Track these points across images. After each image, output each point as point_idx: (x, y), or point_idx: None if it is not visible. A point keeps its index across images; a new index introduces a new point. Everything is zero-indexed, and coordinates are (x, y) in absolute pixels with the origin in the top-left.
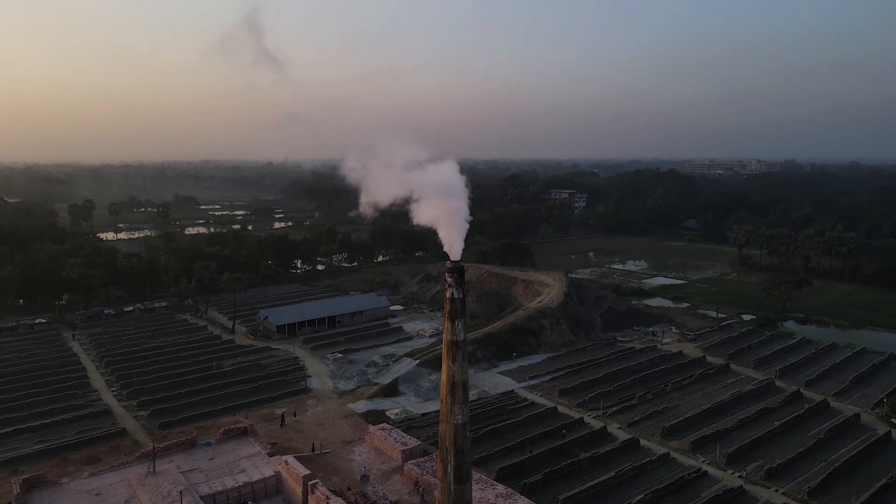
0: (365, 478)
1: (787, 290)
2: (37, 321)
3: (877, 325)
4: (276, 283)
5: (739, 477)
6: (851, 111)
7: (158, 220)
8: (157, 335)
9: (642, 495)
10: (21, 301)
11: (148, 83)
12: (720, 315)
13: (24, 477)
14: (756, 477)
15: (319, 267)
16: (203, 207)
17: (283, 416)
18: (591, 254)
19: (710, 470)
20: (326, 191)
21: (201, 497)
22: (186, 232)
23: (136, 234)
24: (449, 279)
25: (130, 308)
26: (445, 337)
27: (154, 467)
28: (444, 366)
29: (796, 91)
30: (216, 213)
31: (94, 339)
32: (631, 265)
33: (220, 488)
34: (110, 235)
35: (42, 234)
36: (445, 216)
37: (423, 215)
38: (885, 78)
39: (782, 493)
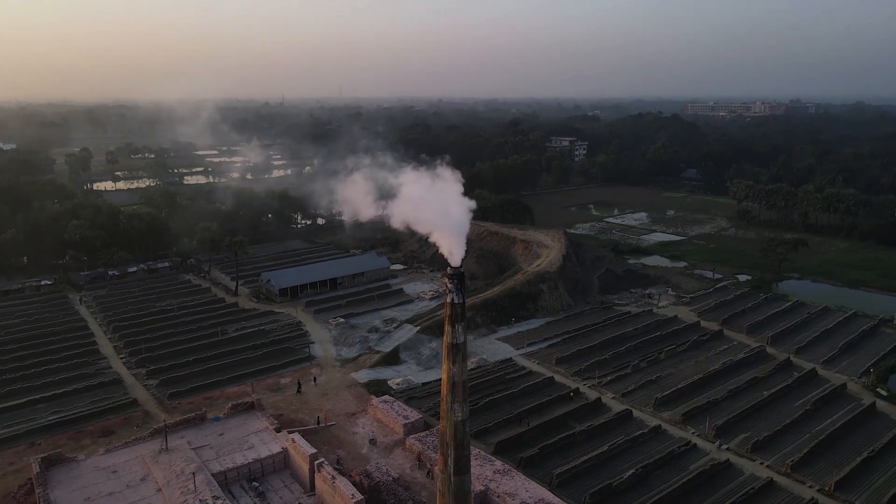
0: (373, 441)
1: (783, 252)
2: (42, 283)
3: (870, 286)
4: (278, 240)
5: (723, 448)
6: (858, 48)
7: (156, 169)
8: (162, 297)
9: (633, 469)
10: (25, 259)
11: (140, 18)
12: (716, 276)
13: (42, 455)
14: (733, 445)
15: (320, 221)
16: (200, 153)
17: (299, 383)
18: (591, 206)
19: (699, 442)
20: (324, 137)
21: (213, 474)
22: (186, 181)
23: (135, 184)
24: (449, 285)
25: (134, 269)
26: (446, 340)
27: (167, 444)
28: (444, 366)
29: (804, 28)
30: (214, 161)
31: (99, 302)
32: (630, 219)
33: (230, 465)
34: (108, 185)
35: (42, 190)
36: (446, 228)
37: (423, 227)
38: (893, 15)
39: (767, 466)
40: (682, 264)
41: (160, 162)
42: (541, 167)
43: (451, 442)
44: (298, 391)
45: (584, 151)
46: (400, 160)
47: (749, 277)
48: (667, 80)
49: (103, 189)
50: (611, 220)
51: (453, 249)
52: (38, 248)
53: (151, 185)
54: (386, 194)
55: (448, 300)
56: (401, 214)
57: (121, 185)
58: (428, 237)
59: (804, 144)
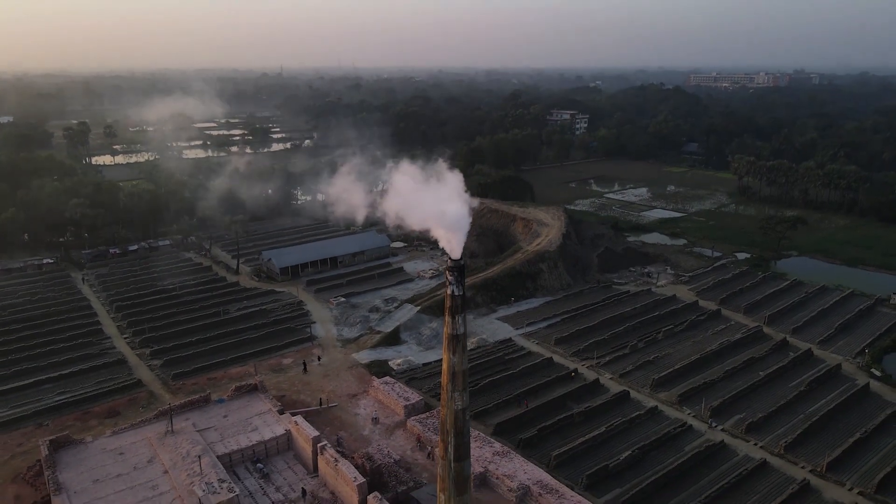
0: (375, 420)
1: (782, 230)
2: (44, 262)
3: (869, 265)
4: (279, 216)
5: (714, 427)
6: (864, 17)
7: (154, 142)
8: (164, 276)
9: (629, 451)
10: (25, 236)
11: None
12: (715, 254)
13: (50, 437)
14: (728, 426)
15: (320, 196)
16: (199, 126)
17: (304, 363)
18: (591, 181)
19: (695, 424)
20: (324, 109)
21: (217, 456)
22: (184, 155)
23: (134, 158)
24: (450, 277)
25: (135, 247)
26: (446, 331)
27: (172, 426)
28: (444, 356)
29: None
30: (213, 133)
31: (101, 281)
32: (630, 195)
33: (235, 447)
34: (107, 159)
35: (41, 167)
36: (446, 227)
37: (422, 225)
38: None
39: (760, 448)
40: (682, 242)
41: (158, 136)
42: (541, 141)
43: (451, 429)
44: (304, 371)
45: (585, 125)
46: (397, 144)
47: (748, 255)
48: (670, 49)
49: (102, 164)
50: (611, 196)
51: (453, 243)
52: (38, 226)
53: (150, 159)
54: (382, 192)
55: (448, 292)
56: (398, 214)
57: (119, 159)
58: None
59: (807, 118)
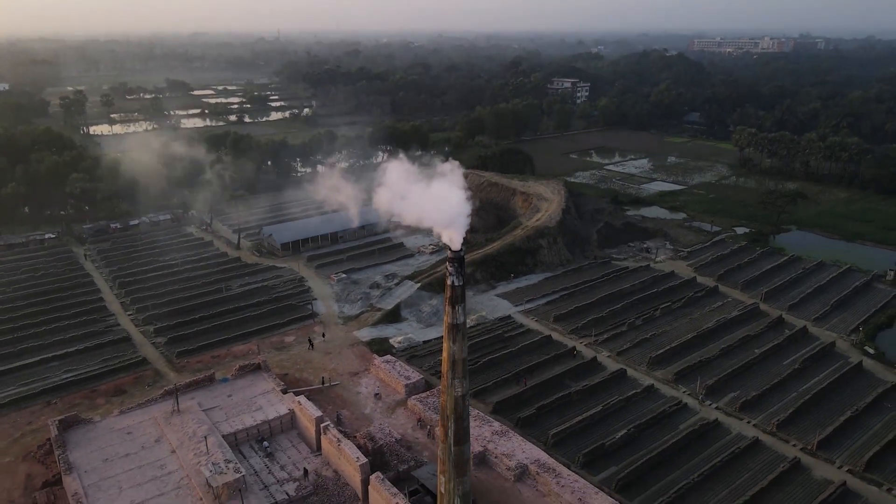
0: (378, 395)
1: (782, 205)
2: (46, 237)
3: (867, 240)
4: (277, 189)
5: (707, 405)
6: None
7: (151, 111)
8: (166, 251)
9: (625, 430)
10: (26, 209)
11: None
12: (714, 229)
13: (60, 418)
14: (722, 404)
15: (320, 169)
16: (196, 93)
17: (310, 340)
18: (592, 152)
19: (690, 402)
20: (323, 77)
21: (223, 436)
22: (182, 125)
23: (131, 128)
24: (450, 268)
25: (136, 221)
26: (446, 320)
27: (178, 405)
28: (444, 345)
29: None
30: (210, 101)
31: (103, 256)
32: (631, 166)
33: (240, 427)
34: (105, 128)
35: (39, 140)
36: (445, 223)
37: (420, 223)
38: None
39: (753, 426)
40: (681, 216)
41: (156, 104)
42: (542, 111)
43: (451, 415)
44: (311, 347)
45: (587, 93)
46: (397, 113)
47: (747, 230)
48: (675, 11)
49: (100, 133)
50: (611, 167)
51: (453, 236)
52: (38, 200)
53: (149, 129)
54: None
55: (448, 283)
56: (394, 210)
57: (117, 128)
58: None
59: (810, 86)
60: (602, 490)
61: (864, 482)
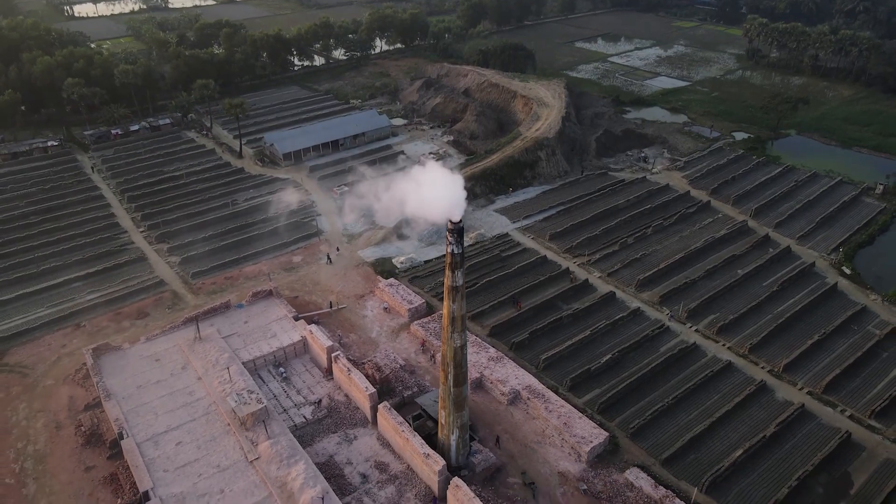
0: (386, 309)
1: (783, 110)
2: (49, 143)
3: (864, 146)
4: (275, 86)
5: (688, 328)
6: None
7: None
8: (169, 160)
9: (610, 354)
10: (23, 107)
11: None
12: (714, 134)
13: (93, 346)
14: (701, 327)
15: (317, 63)
16: None
17: (328, 256)
18: (598, 39)
19: (672, 325)
20: None
21: (243, 363)
22: (171, 5)
23: (117, 7)
24: (450, 238)
25: (136, 127)
26: (447, 283)
27: (199, 332)
28: (445, 303)
29: None
30: None
31: (108, 165)
32: (636, 57)
33: (257, 353)
34: (89, 8)
35: (28, 36)
36: (447, 201)
37: (421, 207)
38: None
39: (728, 349)
40: (682, 119)
41: None
42: None
43: (451, 362)
44: (329, 262)
45: None
46: None
47: (746, 136)
48: None
49: (84, 15)
50: (615, 59)
51: (454, 210)
52: (35, 103)
53: (135, 8)
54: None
55: (448, 251)
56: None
57: (101, 7)
58: (425, 83)
59: None
60: (584, 414)
61: (821, 403)
